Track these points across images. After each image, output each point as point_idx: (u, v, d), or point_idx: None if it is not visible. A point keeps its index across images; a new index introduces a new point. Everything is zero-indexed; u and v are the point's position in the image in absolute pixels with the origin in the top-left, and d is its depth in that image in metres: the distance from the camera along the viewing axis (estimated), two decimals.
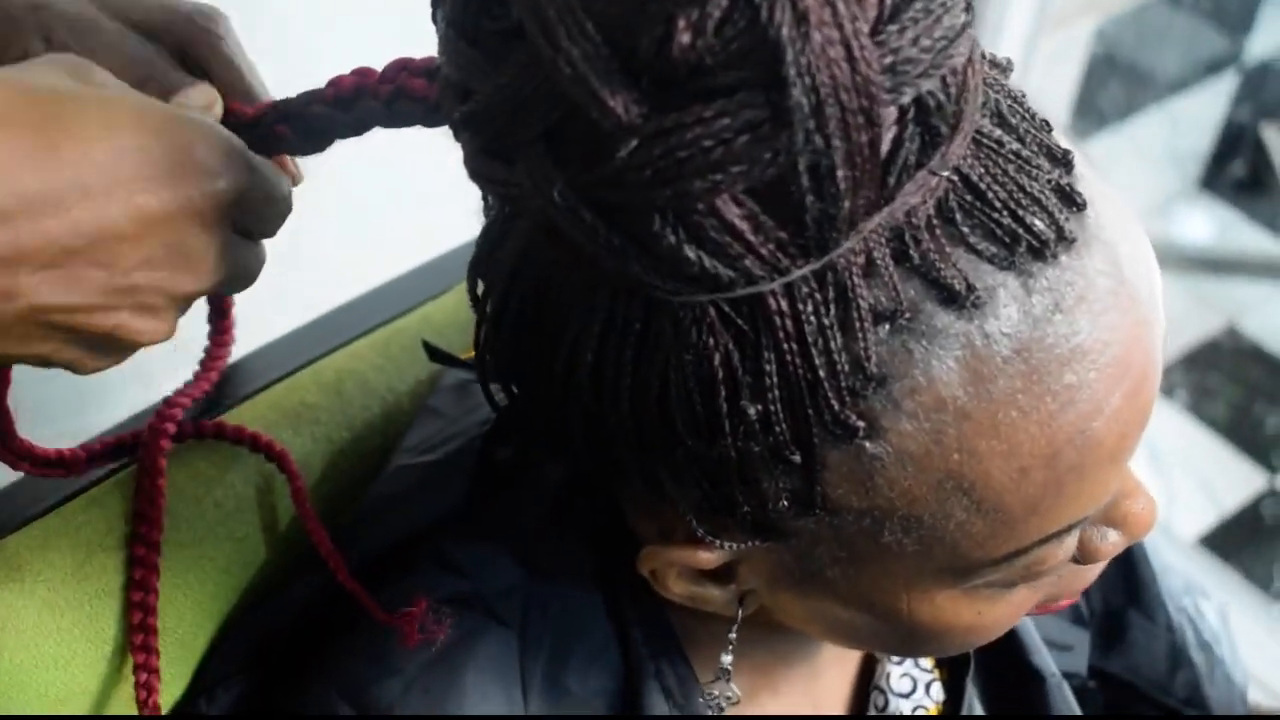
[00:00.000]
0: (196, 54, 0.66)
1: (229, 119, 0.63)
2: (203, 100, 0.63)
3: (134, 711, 0.73)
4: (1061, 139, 0.57)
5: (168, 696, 0.77)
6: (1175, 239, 2.90)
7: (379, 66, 0.60)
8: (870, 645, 0.73)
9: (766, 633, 0.69)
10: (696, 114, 0.44)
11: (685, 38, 0.43)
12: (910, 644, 0.66)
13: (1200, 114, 2.92)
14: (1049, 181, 0.54)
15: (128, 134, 0.52)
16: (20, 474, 0.77)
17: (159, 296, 0.55)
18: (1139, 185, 2.90)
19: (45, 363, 0.56)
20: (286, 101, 0.62)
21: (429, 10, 0.53)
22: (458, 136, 0.52)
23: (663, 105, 0.44)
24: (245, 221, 0.58)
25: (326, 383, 0.85)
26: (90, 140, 0.51)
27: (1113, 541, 0.64)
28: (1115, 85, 2.72)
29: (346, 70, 0.61)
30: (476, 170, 0.51)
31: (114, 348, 0.57)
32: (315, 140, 0.62)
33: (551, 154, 0.47)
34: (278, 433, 0.81)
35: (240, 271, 0.59)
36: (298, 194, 0.63)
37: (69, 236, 0.51)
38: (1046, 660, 0.85)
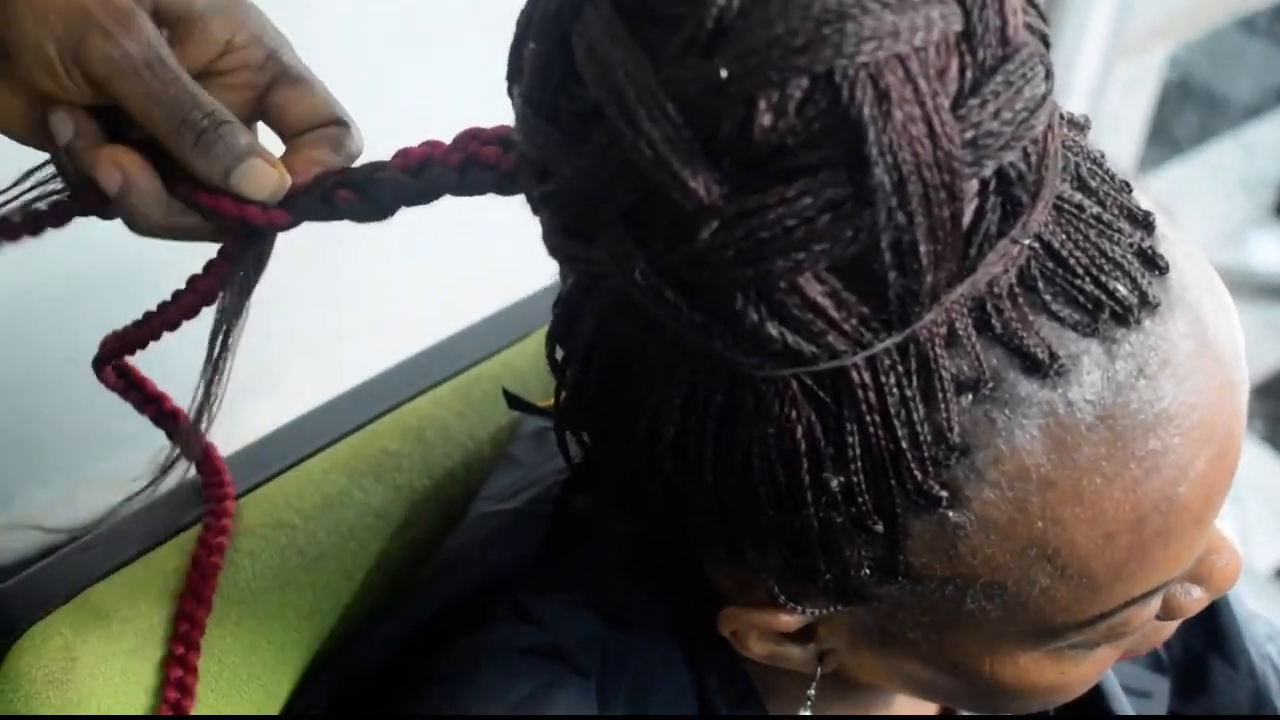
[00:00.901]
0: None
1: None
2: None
3: None
4: (1142, 200, 0.57)
5: None
6: (1250, 266, 2.87)
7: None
8: (950, 701, 0.73)
9: (845, 687, 0.69)
10: (778, 194, 0.44)
11: (767, 119, 0.44)
12: (992, 702, 0.66)
13: (1274, 140, 2.89)
14: (1130, 245, 0.54)
15: None
16: (106, 525, 0.79)
17: None
18: (1213, 213, 2.87)
19: None
20: (347, 169, 0.62)
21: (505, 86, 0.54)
22: (536, 212, 0.53)
23: (744, 185, 0.45)
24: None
25: (409, 429, 0.86)
26: None
27: (1197, 598, 0.63)
28: (1189, 112, 2.70)
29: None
30: (555, 248, 0.52)
31: None
32: (381, 207, 0.61)
33: (632, 234, 0.48)
34: (359, 480, 0.82)
35: None
36: (380, 240, 0.63)
37: None
38: (1125, 707, 0.84)
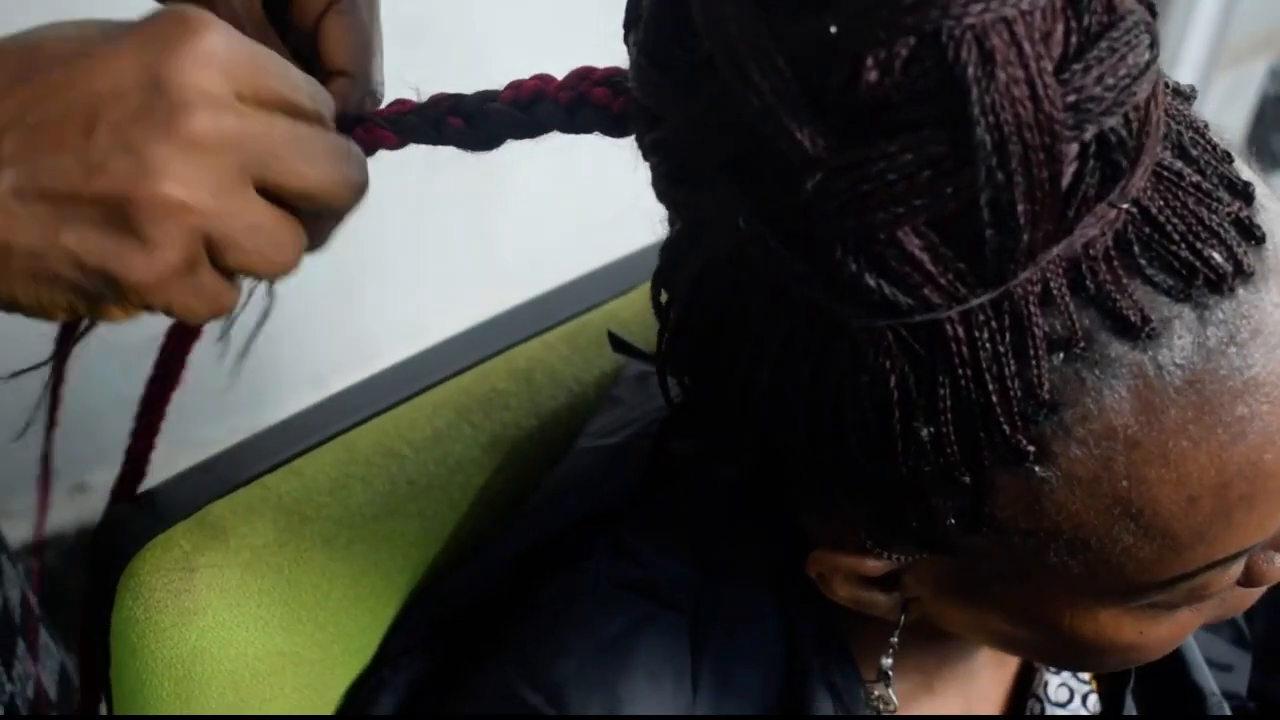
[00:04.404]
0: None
1: (393, 108, 0.64)
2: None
3: (329, 672, 0.78)
4: (1244, 170, 0.58)
5: (356, 665, 0.82)
6: None
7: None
8: (1030, 655, 0.74)
9: (927, 636, 0.71)
10: (881, 149, 0.46)
11: (873, 75, 0.45)
12: (1071, 657, 0.67)
13: None
14: (1228, 214, 0.54)
15: (93, 22, 0.53)
16: (228, 445, 0.82)
17: (148, 144, 0.51)
18: None
19: (75, 256, 0.52)
20: (460, 96, 0.62)
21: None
22: (646, 158, 0.55)
23: (848, 139, 0.46)
24: (258, 89, 0.54)
25: (517, 370, 0.89)
26: (62, 30, 0.53)
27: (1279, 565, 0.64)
28: None
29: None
30: (663, 193, 0.54)
31: (128, 217, 0.52)
32: (489, 137, 0.62)
33: (738, 182, 0.49)
34: (469, 416, 0.85)
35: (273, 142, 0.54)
36: (506, 198, 0.63)
37: (46, 100, 0.50)
38: (1207, 678, 0.85)
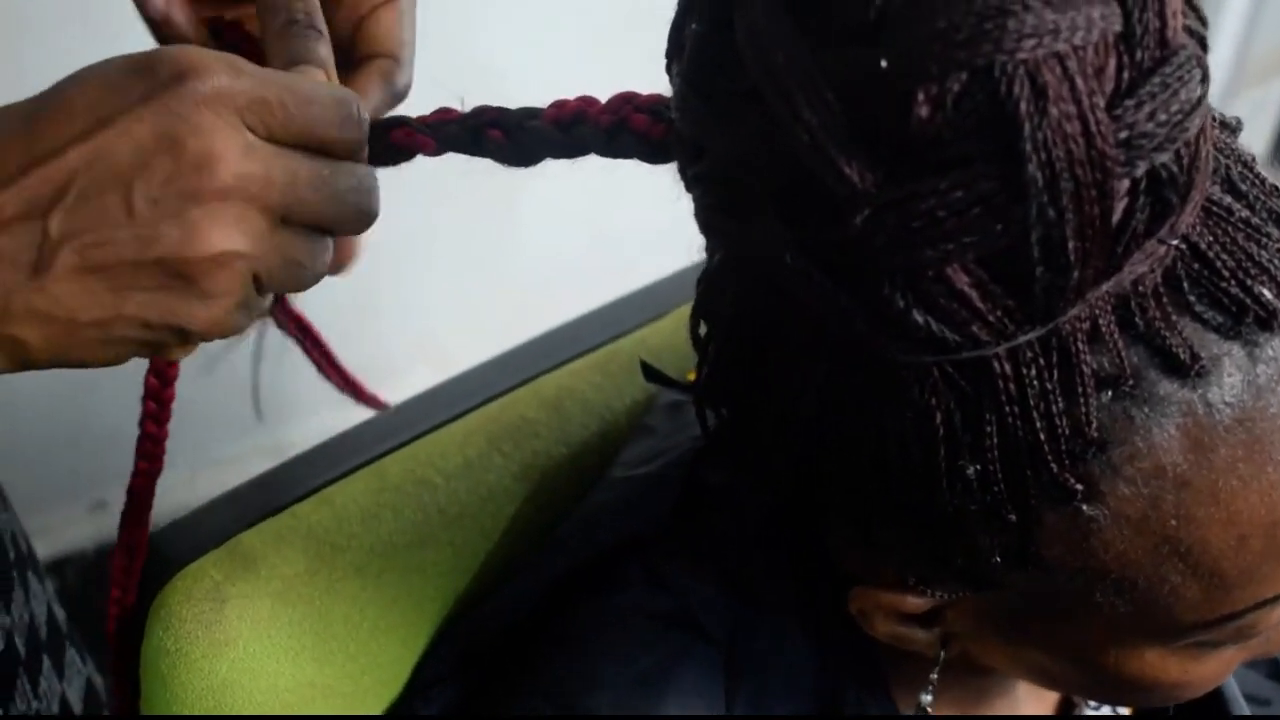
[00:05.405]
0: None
1: (436, 115, 0.63)
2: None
3: (361, 704, 0.77)
4: None
5: (387, 695, 0.81)
6: None
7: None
8: (1072, 691, 0.73)
9: (966, 670, 0.70)
10: (931, 185, 0.45)
11: (924, 110, 0.45)
12: (1114, 695, 0.66)
13: None
14: (1278, 249, 0.54)
15: (99, 75, 0.53)
16: (256, 474, 0.82)
17: (188, 203, 0.53)
18: None
19: (135, 323, 0.55)
20: (503, 110, 0.62)
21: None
22: (689, 189, 0.54)
23: (897, 175, 0.46)
24: (271, 125, 0.55)
25: (546, 399, 0.88)
26: (71, 94, 0.53)
27: None
28: None
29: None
30: (707, 224, 0.53)
31: (183, 278, 0.54)
32: (527, 153, 0.62)
33: (783, 216, 0.49)
34: (499, 445, 0.85)
35: (290, 187, 0.55)
36: (531, 225, 0.63)
37: (77, 179, 0.52)
38: (1244, 710, 0.84)
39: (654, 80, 0.57)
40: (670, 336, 0.94)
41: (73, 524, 1.75)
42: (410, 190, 0.65)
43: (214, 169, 0.53)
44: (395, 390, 0.90)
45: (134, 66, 0.53)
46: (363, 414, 0.89)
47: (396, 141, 0.62)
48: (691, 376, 0.67)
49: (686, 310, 0.63)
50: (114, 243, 0.53)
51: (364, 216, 0.59)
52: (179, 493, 0.81)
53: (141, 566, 0.77)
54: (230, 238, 0.54)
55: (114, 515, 0.75)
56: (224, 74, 0.53)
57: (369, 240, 0.66)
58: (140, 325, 0.55)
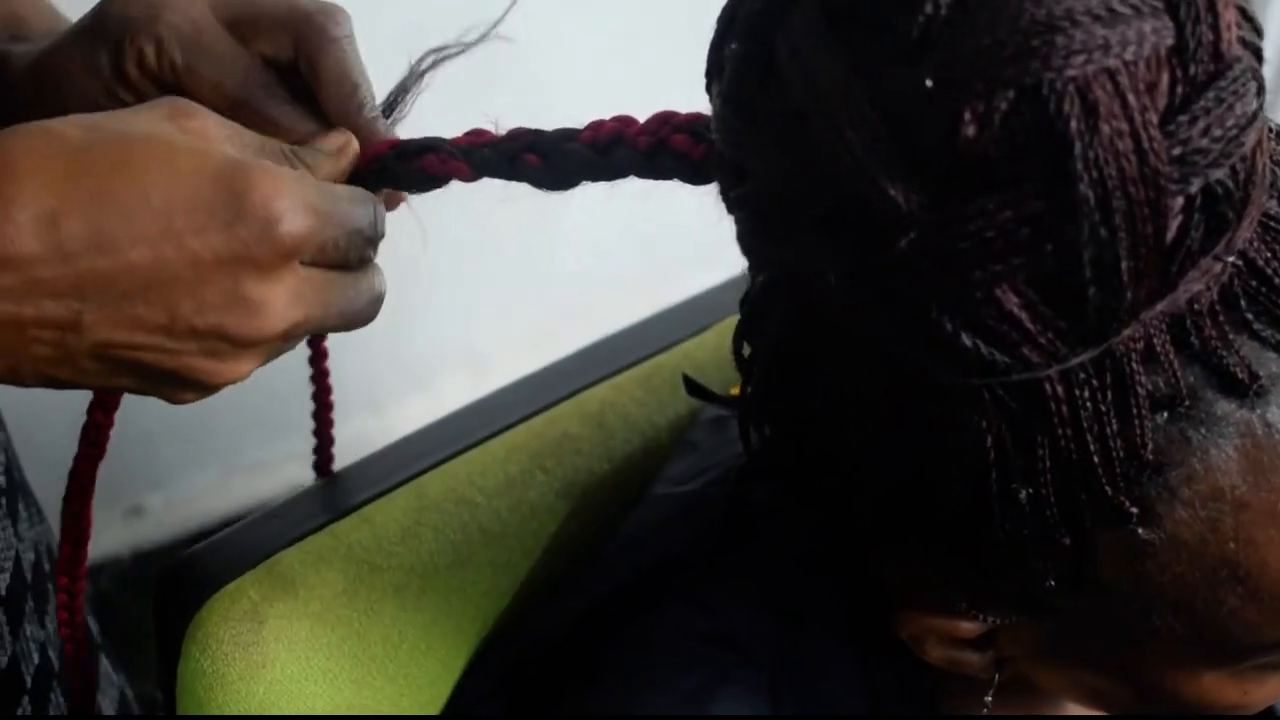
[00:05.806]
0: (307, 55, 0.65)
1: (470, 138, 0.63)
2: (333, 146, 0.63)
3: None
4: None
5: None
6: None
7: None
8: (1127, 713, 0.72)
9: (1019, 693, 0.69)
10: (979, 206, 0.44)
11: (971, 130, 0.44)
12: (1170, 716, 0.65)
13: None
14: None
15: (186, 181, 0.53)
16: (294, 492, 0.81)
17: (222, 342, 0.55)
18: None
19: (134, 391, 0.59)
20: (539, 132, 0.62)
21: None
22: (730, 212, 0.53)
23: (944, 196, 0.45)
24: (325, 259, 0.57)
25: (589, 414, 0.87)
26: (149, 186, 0.53)
27: None
28: None
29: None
30: (749, 248, 0.52)
31: (189, 386, 0.58)
32: (564, 177, 0.61)
33: (827, 239, 0.48)
34: (541, 461, 0.84)
35: (332, 309, 0.58)
36: (553, 215, 0.62)
37: (125, 278, 0.53)
38: None
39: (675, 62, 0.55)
40: (714, 351, 0.93)
41: (107, 530, 1.78)
42: (450, 195, 0.64)
43: (262, 320, 0.55)
44: (434, 396, 0.89)
45: (227, 189, 0.54)
46: (399, 419, 0.88)
47: (429, 168, 0.62)
48: (735, 391, 0.66)
49: (731, 324, 0.62)
50: (139, 348, 0.54)
51: (367, 319, 0.61)
52: (211, 498, 0.80)
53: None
54: (250, 371, 0.57)
55: (150, 521, 0.75)
56: (306, 220, 0.55)
57: (410, 251, 0.65)
58: (137, 391, 0.58)
